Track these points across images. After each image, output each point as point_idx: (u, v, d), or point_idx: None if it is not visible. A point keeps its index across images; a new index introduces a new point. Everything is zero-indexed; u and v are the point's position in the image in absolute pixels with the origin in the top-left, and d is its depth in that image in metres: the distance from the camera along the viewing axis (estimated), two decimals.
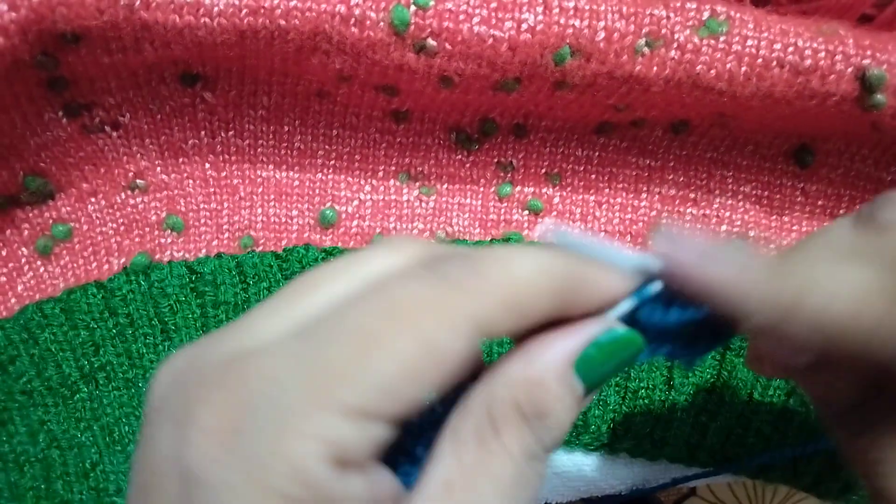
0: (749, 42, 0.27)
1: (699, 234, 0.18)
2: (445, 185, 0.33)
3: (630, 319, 0.19)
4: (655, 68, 0.27)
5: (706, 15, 0.27)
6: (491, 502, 0.16)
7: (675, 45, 0.27)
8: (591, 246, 0.19)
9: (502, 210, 0.33)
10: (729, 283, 0.18)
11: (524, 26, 0.26)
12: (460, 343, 0.16)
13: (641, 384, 0.31)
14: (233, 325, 0.17)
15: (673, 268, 0.18)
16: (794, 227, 0.34)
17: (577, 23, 0.27)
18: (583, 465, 0.32)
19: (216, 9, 0.26)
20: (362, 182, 0.33)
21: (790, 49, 0.27)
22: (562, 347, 0.17)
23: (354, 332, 0.16)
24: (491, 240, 0.32)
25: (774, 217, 0.34)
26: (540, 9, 0.26)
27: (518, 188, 0.33)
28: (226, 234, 0.32)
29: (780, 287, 0.18)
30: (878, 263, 0.18)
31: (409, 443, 0.17)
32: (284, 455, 0.15)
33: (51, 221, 0.31)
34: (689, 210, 0.34)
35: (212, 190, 0.32)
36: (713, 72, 0.27)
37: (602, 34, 0.27)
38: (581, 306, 0.18)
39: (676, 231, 0.19)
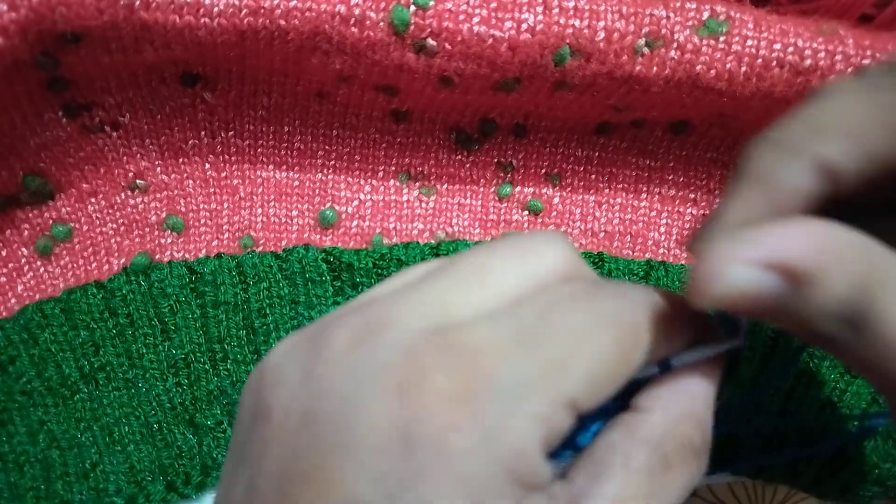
0: (749, 42, 0.27)
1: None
2: (445, 186, 0.33)
3: None
4: (655, 68, 0.27)
5: (706, 15, 0.27)
6: None
7: (674, 45, 0.27)
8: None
9: (502, 210, 0.33)
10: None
11: (524, 26, 0.26)
12: (642, 357, 0.18)
13: None
14: (403, 295, 0.18)
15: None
16: None
17: (576, 23, 0.27)
18: None
19: (216, 9, 0.26)
20: (362, 182, 0.33)
21: (790, 49, 0.27)
22: (711, 379, 0.19)
23: (569, 330, 0.17)
24: (490, 240, 0.33)
25: None
26: (540, 9, 0.26)
27: (518, 188, 0.33)
28: (226, 235, 0.32)
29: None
30: None
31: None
32: (514, 429, 0.16)
33: (51, 221, 0.31)
34: (689, 210, 0.34)
35: (212, 190, 0.32)
36: (713, 72, 0.27)
37: (602, 34, 0.27)
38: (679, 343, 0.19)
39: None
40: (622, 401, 0.19)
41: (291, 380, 0.17)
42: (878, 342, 0.16)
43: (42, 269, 0.31)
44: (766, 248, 0.17)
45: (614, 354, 0.17)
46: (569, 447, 0.18)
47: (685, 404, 0.18)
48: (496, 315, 0.17)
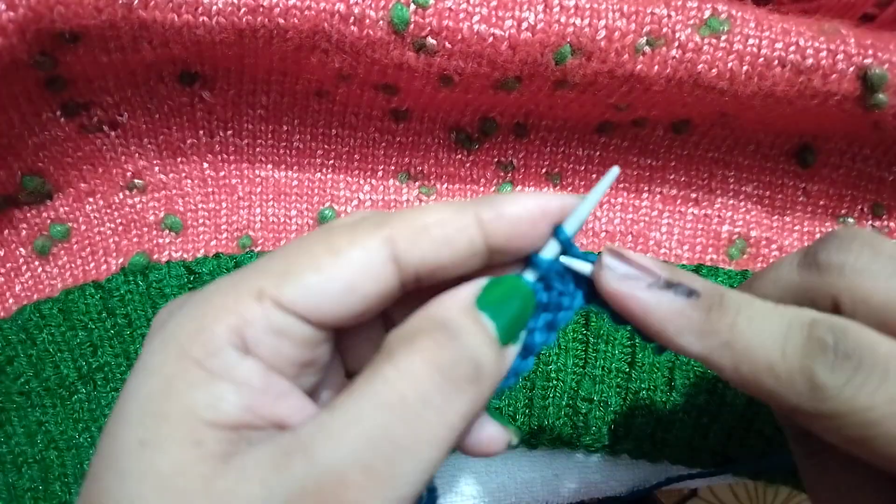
0: (750, 41, 0.27)
1: (651, 263, 0.20)
2: (445, 185, 0.33)
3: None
4: (656, 67, 0.27)
5: (707, 14, 0.27)
6: (370, 422, 0.16)
7: (676, 44, 0.27)
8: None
9: None
10: (665, 322, 0.19)
11: (524, 25, 0.26)
12: (365, 251, 0.18)
13: (642, 385, 0.31)
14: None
15: (616, 287, 0.20)
16: (796, 227, 0.34)
17: (577, 21, 0.26)
18: (584, 466, 0.32)
19: (215, 7, 0.25)
20: (361, 182, 0.33)
21: (792, 48, 0.27)
22: (465, 288, 0.19)
23: (283, 248, 0.19)
24: None
25: (776, 217, 0.34)
26: (540, 7, 0.26)
27: (518, 188, 0.33)
28: (224, 234, 0.32)
29: (711, 331, 0.19)
30: (790, 320, 0.19)
31: None
32: (196, 318, 0.17)
33: (49, 221, 0.31)
34: (690, 210, 0.34)
35: (210, 190, 0.32)
36: (714, 71, 0.27)
37: (603, 33, 0.26)
38: (511, 226, 0.19)
39: (630, 255, 0.20)
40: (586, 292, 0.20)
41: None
42: None
43: (40, 269, 0.31)
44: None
45: (319, 252, 0.18)
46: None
47: (423, 310, 0.19)
48: None
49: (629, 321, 0.20)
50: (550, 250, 0.20)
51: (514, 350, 0.19)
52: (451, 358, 0.17)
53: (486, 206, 0.19)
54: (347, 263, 0.18)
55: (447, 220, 0.19)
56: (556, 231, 0.20)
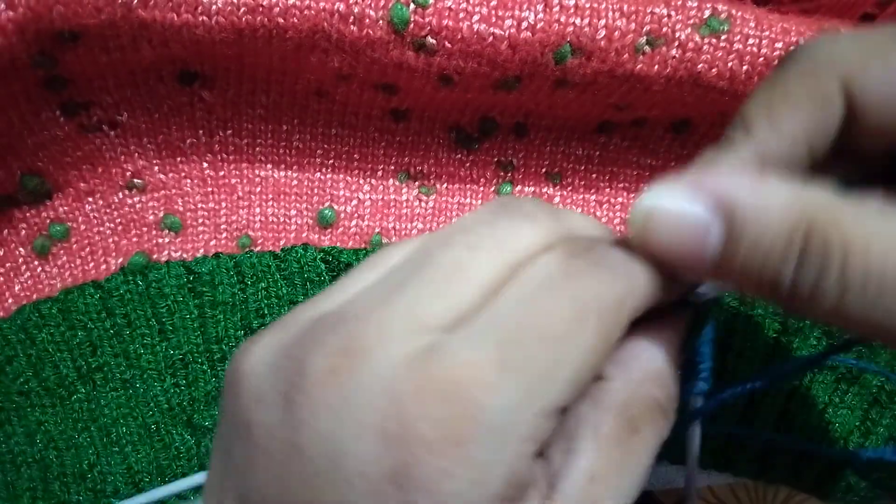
0: (750, 41, 0.27)
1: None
2: (445, 185, 0.33)
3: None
4: (656, 67, 0.27)
5: (707, 13, 0.27)
6: (629, 491, 0.18)
7: (676, 43, 0.27)
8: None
9: None
10: None
11: (524, 24, 0.26)
12: (624, 331, 0.18)
13: None
14: (382, 307, 0.17)
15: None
16: None
17: (577, 21, 0.26)
18: None
19: (214, 7, 0.25)
20: (361, 181, 0.33)
21: (792, 48, 0.27)
22: (673, 335, 0.19)
23: (550, 333, 0.16)
24: (465, 217, 0.32)
25: None
26: (540, 7, 0.26)
27: (518, 187, 0.33)
28: (224, 234, 0.32)
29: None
30: None
31: None
32: (505, 461, 0.16)
33: (48, 221, 0.31)
34: None
35: (210, 189, 0.32)
36: (714, 70, 0.27)
37: (603, 32, 0.27)
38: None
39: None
40: None
41: (271, 402, 0.17)
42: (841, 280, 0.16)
43: (39, 269, 0.31)
44: (703, 183, 0.17)
45: (599, 347, 0.17)
46: None
47: (645, 365, 0.19)
48: (476, 324, 0.17)
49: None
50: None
51: None
52: (672, 424, 0.19)
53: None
54: (609, 350, 0.18)
55: (658, 285, 0.19)
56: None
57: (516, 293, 0.17)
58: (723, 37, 0.27)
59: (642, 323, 0.19)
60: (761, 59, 0.27)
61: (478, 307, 0.17)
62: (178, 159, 0.32)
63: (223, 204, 0.32)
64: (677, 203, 0.17)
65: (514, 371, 0.16)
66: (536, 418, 0.16)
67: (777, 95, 0.20)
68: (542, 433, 0.16)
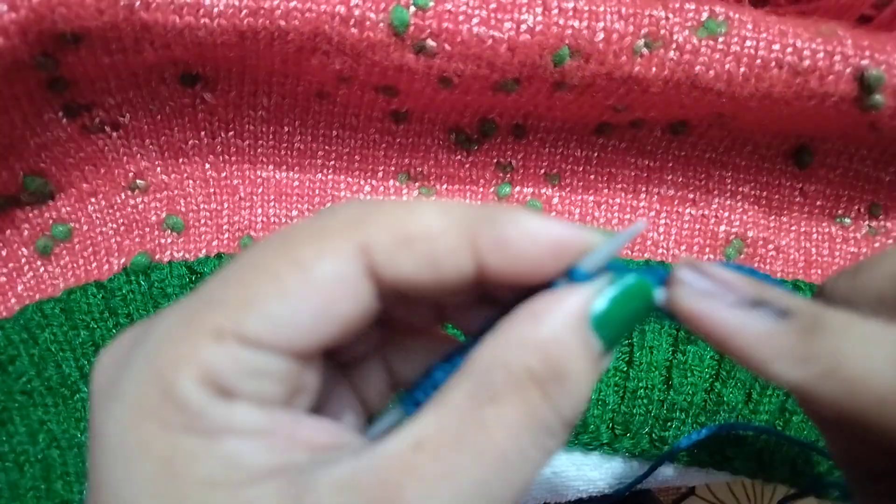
0: (748, 43, 0.27)
1: (733, 277, 0.17)
2: (445, 186, 0.33)
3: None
4: (654, 69, 0.27)
5: (705, 16, 0.27)
6: (465, 476, 0.14)
7: (673, 45, 0.27)
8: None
9: None
10: (753, 348, 0.16)
11: (523, 27, 0.26)
12: (336, 265, 0.15)
13: (640, 384, 0.31)
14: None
15: (693, 306, 0.17)
16: (793, 228, 0.34)
17: (576, 23, 0.26)
18: (582, 464, 0.32)
19: (216, 9, 0.25)
20: (362, 182, 0.33)
21: (789, 50, 0.27)
22: (575, 301, 0.16)
23: (233, 267, 0.16)
24: None
25: (773, 217, 0.34)
26: (539, 10, 0.26)
27: (517, 188, 0.33)
28: (226, 235, 0.32)
29: (810, 357, 0.16)
30: None
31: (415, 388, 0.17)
32: (157, 378, 0.15)
33: (51, 222, 0.31)
34: (687, 210, 0.34)
35: (212, 190, 0.32)
36: (712, 72, 0.27)
37: (601, 35, 0.27)
38: (515, 258, 0.16)
39: (709, 268, 0.17)
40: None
41: None
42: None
43: (42, 269, 0.31)
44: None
45: (282, 272, 0.15)
46: (412, 404, 0.17)
47: (526, 331, 0.15)
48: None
49: (709, 343, 0.17)
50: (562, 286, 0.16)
51: (607, 361, 0.17)
52: (558, 409, 0.15)
53: (484, 225, 0.16)
54: (316, 281, 0.15)
55: (435, 234, 0.15)
56: (572, 273, 0.16)
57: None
58: (720, 39, 0.27)
59: (546, 293, 0.16)
60: (758, 60, 0.27)
61: None
62: (181, 160, 0.32)
63: (225, 205, 0.32)
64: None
65: (190, 297, 0.16)
66: (195, 338, 0.15)
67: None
68: (206, 357, 0.14)
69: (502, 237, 0.16)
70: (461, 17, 0.26)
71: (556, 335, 0.15)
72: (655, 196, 0.34)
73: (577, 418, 0.16)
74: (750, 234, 0.34)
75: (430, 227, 0.15)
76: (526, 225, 0.16)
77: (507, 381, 0.15)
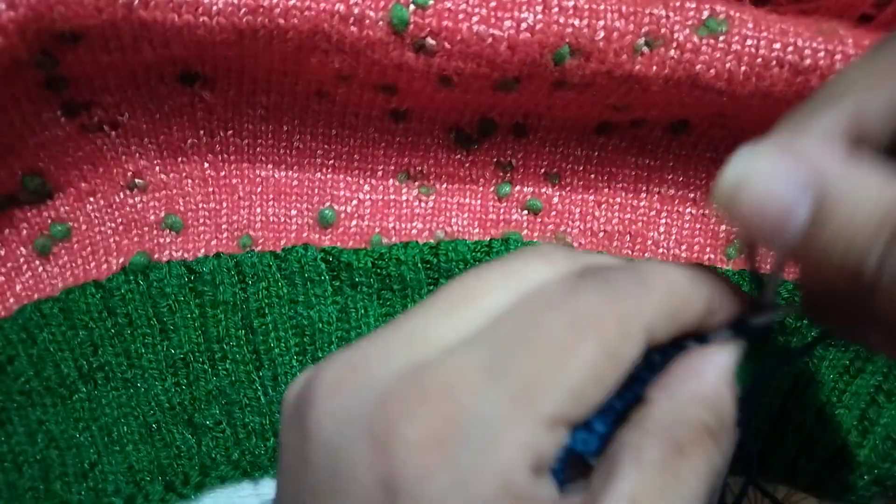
0: (749, 41, 0.27)
1: None
2: (444, 185, 0.33)
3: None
4: (655, 68, 0.27)
5: (706, 14, 0.27)
6: None
7: (674, 44, 0.27)
8: None
9: (501, 210, 0.33)
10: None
11: (523, 25, 0.26)
12: (635, 349, 0.17)
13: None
14: (392, 329, 0.18)
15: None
16: None
17: (576, 22, 0.26)
18: None
19: (215, 8, 0.25)
20: (361, 182, 0.33)
21: (790, 48, 0.27)
22: (727, 358, 0.18)
23: (545, 343, 0.16)
24: (490, 240, 0.32)
25: None
26: (539, 8, 0.26)
27: (517, 188, 0.33)
28: (225, 234, 0.32)
29: None
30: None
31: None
32: (493, 466, 0.15)
33: (49, 221, 0.31)
34: (688, 210, 0.34)
35: (211, 189, 0.32)
36: (713, 71, 0.27)
37: (601, 33, 0.27)
38: (718, 320, 0.19)
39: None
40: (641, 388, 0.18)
41: (289, 419, 0.18)
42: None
43: (41, 269, 0.31)
44: (795, 153, 0.16)
45: (599, 358, 0.16)
46: (587, 450, 0.18)
47: (692, 387, 0.18)
48: (474, 339, 0.17)
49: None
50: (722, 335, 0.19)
51: None
52: (726, 454, 0.18)
53: (722, 299, 0.19)
54: (622, 367, 0.17)
55: (691, 304, 0.18)
56: (745, 328, 0.19)
57: (517, 311, 0.17)
58: (721, 38, 0.27)
59: (694, 348, 0.19)
60: (759, 59, 0.27)
61: (481, 329, 0.17)
62: (179, 159, 0.32)
63: (224, 204, 0.32)
64: (767, 176, 0.16)
65: (504, 377, 0.16)
66: (530, 427, 0.16)
67: (880, 65, 0.18)
68: (539, 445, 0.16)
69: (718, 305, 0.19)
70: (461, 16, 0.26)
71: (718, 391, 0.18)
72: (656, 195, 0.34)
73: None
74: None
75: (688, 300, 0.18)
76: (729, 291, 0.19)
77: (690, 437, 0.17)
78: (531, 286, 0.18)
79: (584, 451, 0.18)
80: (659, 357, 0.19)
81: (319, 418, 0.17)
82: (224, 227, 0.32)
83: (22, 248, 0.31)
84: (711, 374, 0.18)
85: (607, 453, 0.17)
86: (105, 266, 0.31)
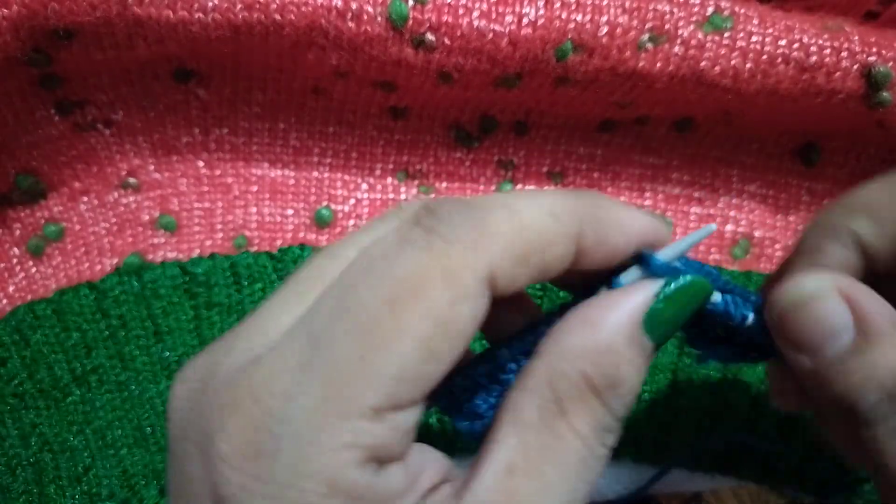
0: (754, 38, 0.27)
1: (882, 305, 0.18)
2: (445, 184, 0.33)
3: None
4: (659, 64, 0.27)
5: (710, 10, 0.27)
6: (557, 486, 0.16)
7: (678, 40, 0.27)
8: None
9: None
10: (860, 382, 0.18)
11: (525, 20, 0.26)
12: (473, 307, 0.15)
13: (645, 388, 0.31)
14: (247, 321, 0.17)
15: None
16: (800, 227, 0.34)
17: (579, 17, 0.26)
18: None
19: (210, 4, 0.25)
20: (359, 180, 0.33)
21: (795, 45, 0.27)
22: (627, 307, 0.17)
23: (360, 326, 0.15)
24: None
25: (780, 216, 0.34)
26: (541, 2, 0.26)
27: (519, 186, 0.33)
28: (219, 234, 0.32)
29: None
30: None
31: (459, 385, 0.17)
32: (313, 473, 0.14)
33: (42, 221, 0.31)
34: (693, 209, 0.34)
35: (205, 188, 0.32)
36: (717, 68, 0.27)
37: (605, 29, 0.26)
38: (608, 251, 0.17)
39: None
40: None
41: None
42: None
43: (34, 270, 0.31)
44: (845, 284, 0.18)
45: (427, 331, 0.15)
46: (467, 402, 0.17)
47: (578, 340, 0.16)
48: (296, 326, 0.16)
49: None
50: (632, 274, 0.17)
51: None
52: (615, 412, 0.16)
53: (590, 224, 0.16)
54: (457, 332, 0.15)
55: (549, 245, 0.16)
56: (646, 258, 0.17)
57: (339, 282, 0.16)
58: (726, 34, 0.27)
59: (590, 295, 0.17)
60: (764, 56, 0.27)
61: (307, 311, 0.16)
62: (174, 158, 0.31)
63: (219, 203, 0.32)
64: (827, 300, 0.18)
65: (317, 372, 0.14)
66: (349, 424, 0.14)
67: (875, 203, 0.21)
68: (368, 438, 0.14)
69: (603, 237, 0.17)
70: (461, 11, 0.26)
71: (610, 344, 0.16)
72: (661, 195, 0.33)
73: (629, 410, 0.17)
74: (757, 233, 0.33)
75: (544, 239, 0.16)
76: (619, 218, 0.17)
77: (570, 394, 0.16)
78: (367, 246, 0.16)
79: (472, 432, 0.17)
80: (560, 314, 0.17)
81: (170, 421, 0.17)
82: (219, 226, 0.32)
83: (15, 249, 0.31)
84: (606, 322, 0.16)
85: (496, 415, 0.16)
86: (98, 267, 0.31)
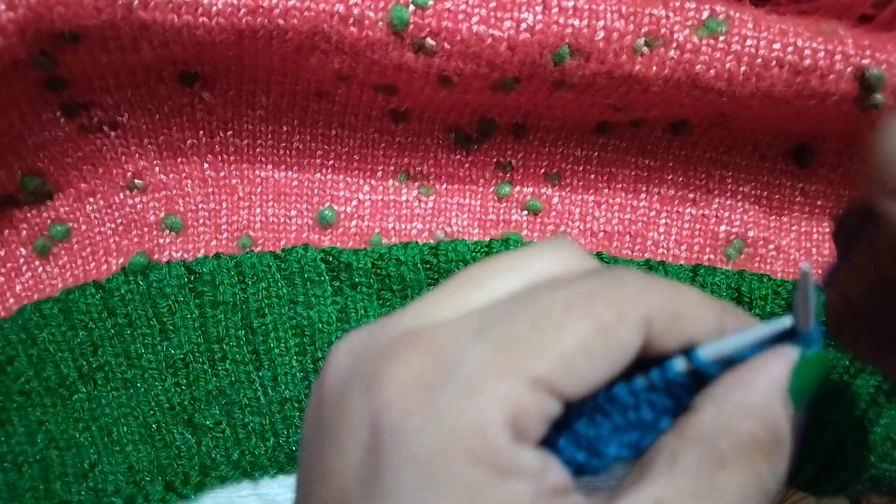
0: (748, 42, 0.27)
1: None
2: (444, 185, 0.33)
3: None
4: (655, 68, 0.27)
5: (705, 14, 0.27)
6: None
7: (674, 44, 0.27)
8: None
9: (501, 210, 0.33)
10: None
11: (523, 26, 0.26)
12: (632, 333, 0.17)
13: None
14: (404, 309, 0.19)
15: None
16: (794, 228, 0.34)
17: (576, 22, 0.26)
18: None
19: (214, 8, 0.25)
20: (361, 182, 0.33)
21: (789, 49, 0.27)
22: (777, 369, 0.18)
23: (536, 313, 0.17)
24: (490, 240, 0.32)
25: (773, 217, 0.34)
26: (539, 8, 0.26)
27: (517, 188, 0.33)
28: (224, 235, 0.32)
29: None
30: None
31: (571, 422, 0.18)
32: (473, 412, 0.16)
33: (49, 222, 0.31)
34: (688, 210, 0.34)
35: (210, 190, 0.32)
36: (712, 71, 0.27)
37: (601, 34, 0.27)
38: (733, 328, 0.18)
39: None
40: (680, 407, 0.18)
41: (313, 389, 0.19)
42: None
43: (40, 269, 0.31)
44: None
45: (590, 332, 0.16)
46: (574, 439, 0.18)
47: (742, 399, 0.17)
48: (469, 312, 0.18)
49: None
50: (679, 363, 0.18)
51: None
52: (779, 473, 0.17)
53: (730, 317, 0.18)
54: (616, 348, 0.16)
55: (698, 313, 0.18)
56: (691, 355, 0.18)
57: (516, 294, 0.18)
58: (721, 38, 0.27)
59: (747, 361, 0.18)
60: (759, 59, 0.27)
61: (480, 307, 0.18)
62: (179, 160, 0.32)
63: (224, 204, 0.32)
64: None
65: (492, 336, 0.17)
66: (511, 382, 0.16)
67: None
68: (519, 402, 0.16)
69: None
70: (461, 16, 0.26)
71: (769, 402, 0.17)
72: (656, 196, 0.34)
73: (784, 477, 0.18)
74: (751, 233, 0.34)
75: (698, 314, 0.18)
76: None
77: (735, 449, 0.17)
78: (538, 274, 0.18)
79: (588, 467, 0.17)
80: (685, 390, 0.18)
81: (329, 375, 0.18)
82: (224, 227, 0.32)
83: (22, 249, 0.31)
84: (762, 384, 0.17)
85: (641, 461, 0.17)
86: (105, 266, 0.31)
